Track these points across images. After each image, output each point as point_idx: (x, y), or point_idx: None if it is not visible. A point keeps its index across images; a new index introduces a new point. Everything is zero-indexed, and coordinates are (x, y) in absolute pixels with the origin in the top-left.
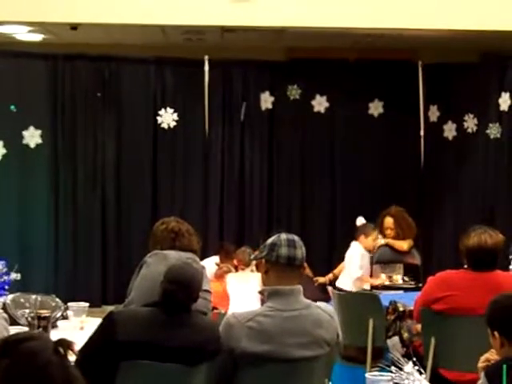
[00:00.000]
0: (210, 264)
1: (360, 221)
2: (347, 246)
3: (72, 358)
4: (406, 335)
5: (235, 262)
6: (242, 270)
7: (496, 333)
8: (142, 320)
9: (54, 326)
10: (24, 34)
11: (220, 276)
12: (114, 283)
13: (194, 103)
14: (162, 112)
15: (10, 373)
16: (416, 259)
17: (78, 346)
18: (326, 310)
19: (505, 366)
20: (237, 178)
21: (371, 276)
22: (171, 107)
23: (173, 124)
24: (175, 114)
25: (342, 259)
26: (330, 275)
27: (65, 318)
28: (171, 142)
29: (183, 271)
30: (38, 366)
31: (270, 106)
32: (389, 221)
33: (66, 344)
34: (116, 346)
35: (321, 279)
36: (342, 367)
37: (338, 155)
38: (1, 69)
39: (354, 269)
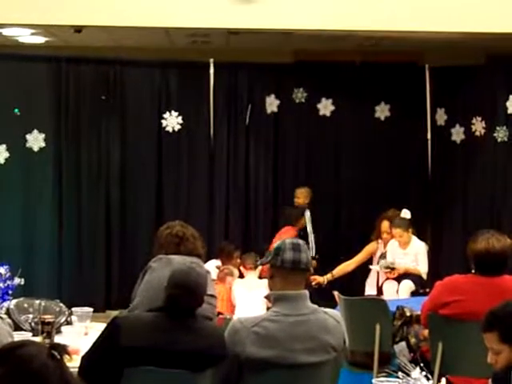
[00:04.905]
0: (211, 267)
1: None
2: (352, 249)
3: (71, 363)
4: (413, 340)
5: (241, 267)
6: (250, 269)
7: None
8: (146, 325)
9: (58, 332)
10: (27, 37)
11: (222, 278)
12: (118, 288)
13: (199, 106)
14: (166, 115)
15: (5, 381)
16: None
17: (82, 352)
18: (333, 315)
19: None
20: (242, 181)
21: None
22: (176, 110)
23: (177, 127)
24: (180, 118)
25: (343, 261)
26: (329, 275)
27: (69, 323)
28: (176, 145)
29: (187, 276)
30: (33, 371)
31: (275, 109)
32: (385, 224)
33: (60, 348)
34: (120, 351)
35: (319, 278)
36: (349, 373)
37: (344, 159)
38: (4, 72)
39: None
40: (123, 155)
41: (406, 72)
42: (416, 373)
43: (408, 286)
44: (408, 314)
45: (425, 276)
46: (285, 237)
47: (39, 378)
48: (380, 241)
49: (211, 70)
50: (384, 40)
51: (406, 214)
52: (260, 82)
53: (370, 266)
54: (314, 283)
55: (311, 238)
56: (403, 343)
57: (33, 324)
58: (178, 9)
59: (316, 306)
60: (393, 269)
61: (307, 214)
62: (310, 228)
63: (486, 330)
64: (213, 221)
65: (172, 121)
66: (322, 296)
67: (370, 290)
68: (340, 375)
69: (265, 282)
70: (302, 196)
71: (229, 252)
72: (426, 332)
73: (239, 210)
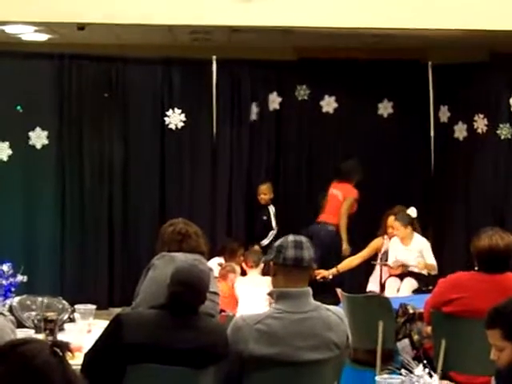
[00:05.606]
0: (213, 265)
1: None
2: (354, 246)
3: (74, 360)
4: (416, 337)
5: (244, 265)
6: (252, 267)
7: None
8: (148, 322)
9: (61, 329)
10: (30, 34)
11: (224, 276)
12: (121, 285)
13: (202, 104)
14: (169, 113)
15: (7, 378)
16: None
17: (84, 349)
18: (336, 312)
19: None
20: (244, 178)
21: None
22: (179, 108)
23: (180, 125)
24: (183, 115)
25: (347, 256)
26: (334, 270)
27: (72, 320)
28: (179, 142)
29: (190, 273)
30: (35, 369)
31: (277, 106)
32: (391, 219)
33: (63, 345)
34: (123, 348)
35: (324, 272)
36: (352, 370)
37: (347, 156)
38: (7, 69)
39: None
40: (126, 152)
41: (409, 69)
42: (419, 370)
43: (410, 283)
44: (411, 311)
45: (436, 270)
46: (347, 193)
47: (41, 375)
48: (386, 236)
49: (214, 68)
50: (387, 37)
51: (411, 211)
52: (262, 79)
53: (373, 262)
54: (318, 277)
55: (274, 232)
56: (406, 340)
57: (35, 321)
58: (181, 6)
59: (319, 303)
60: (402, 266)
61: (272, 209)
62: (274, 223)
63: (489, 326)
64: (215, 218)
65: (175, 118)
66: (325, 291)
67: (373, 286)
68: (343, 372)
69: (267, 279)
70: (267, 192)
71: (232, 250)
72: (428, 329)
73: (242, 206)
